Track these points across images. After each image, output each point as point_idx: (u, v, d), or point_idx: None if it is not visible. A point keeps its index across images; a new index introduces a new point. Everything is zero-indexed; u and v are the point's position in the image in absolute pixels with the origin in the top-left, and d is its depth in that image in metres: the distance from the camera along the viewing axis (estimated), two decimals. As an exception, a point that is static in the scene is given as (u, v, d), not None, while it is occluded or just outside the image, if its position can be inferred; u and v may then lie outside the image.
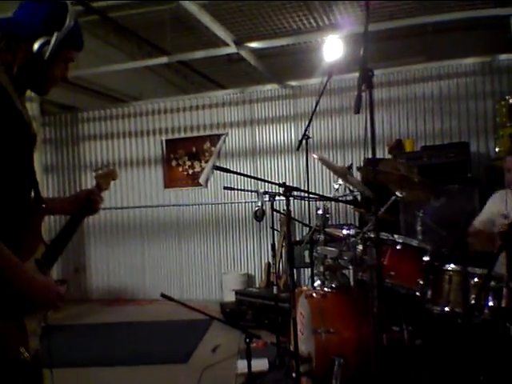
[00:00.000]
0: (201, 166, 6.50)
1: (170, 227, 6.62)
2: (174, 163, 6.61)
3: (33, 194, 1.53)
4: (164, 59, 5.72)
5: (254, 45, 5.06)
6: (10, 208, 1.39)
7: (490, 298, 2.61)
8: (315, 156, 3.47)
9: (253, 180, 5.53)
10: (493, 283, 2.61)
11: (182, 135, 6.62)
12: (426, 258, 2.75)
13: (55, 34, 1.43)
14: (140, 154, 6.79)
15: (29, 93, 1.56)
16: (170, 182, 6.61)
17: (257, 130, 6.31)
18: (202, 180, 6.49)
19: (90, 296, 6.71)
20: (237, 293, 5.17)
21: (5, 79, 1.39)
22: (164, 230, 6.64)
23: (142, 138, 6.79)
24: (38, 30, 1.42)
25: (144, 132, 6.78)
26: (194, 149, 6.53)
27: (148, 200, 6.65)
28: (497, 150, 4.96)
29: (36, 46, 1.41)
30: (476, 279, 2.63)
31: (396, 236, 2.88)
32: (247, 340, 2.66)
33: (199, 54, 5.42)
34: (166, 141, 6.66)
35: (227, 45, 5.01)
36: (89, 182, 6.92)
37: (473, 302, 2.56)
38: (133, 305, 6.35)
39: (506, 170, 3.21)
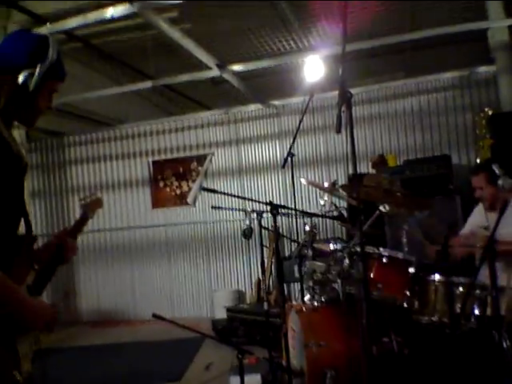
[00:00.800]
0: (188, 186, 6.56)
1: (158, 247, 6.65)
2: (161, 184, 6.67)
3: (23, 223, 1.56)
4: (148, 84, 5.81)
5: (236, 67, 5.17)
6: (2, 237, 1.42)
7: (475, 306, 2.68)
8: (303, 181, 3.55)
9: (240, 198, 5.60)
10: (477, 292, 2.68)
11: (169, 156, 6.69)
12: (411, 270, 2.83)
13: (39, 66, 1.48)
14: (127, 176, 6.84)
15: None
16: (157, 202, 6.66)
17: (242, 148, 6.41)
18: (189, 199, 6.46)
19: (80, 319, 6.67)
20: (228, 310, 5.19)
21: None
22: (153, 249, 6.66)
23: (128, 160, 6.85)
24: (22, 62, 1.48)
25: (131, 154, 6.84)
26: (181, 169, 6.60)
27: (136, 221, 6.67)
28: (478, 161, 5.09)
29: (21, 78, 1.46)
30: (461, 289, 2.71)
31: (382, 249, 2.95)
32: (240, 356, 2.71)
33: (183, 78, 5.52)
34: (153, 162, 6.73)
35: (210, 68, 5.11)
36: (76, 205, 6.92)
37: (458, 311, 2.63)
38: (123, 326, 6.33)
39: (474, 188, 3.27)
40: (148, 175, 6.73)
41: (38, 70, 1.48)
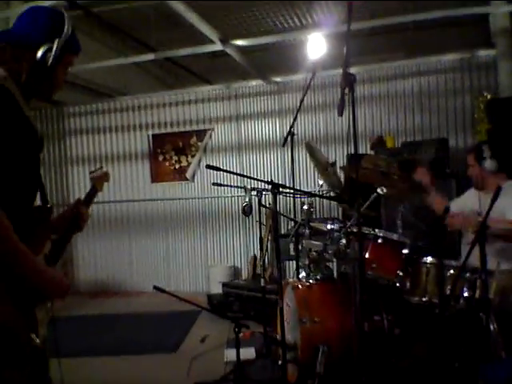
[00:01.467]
0: (187, 161, 6.59)
1: (157, 221, 6.71)
2: (160, 158, 6.69)
3: (39, 195, 1.63)
4: (150, 56, 5.77)
5: (239, 42, 5.14)
6: (20, 209, 1.48)
7: (464, 288, 2.77)
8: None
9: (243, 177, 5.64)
10: (468, 275, 2.76)
11: (169, 130, 6.69)
12: (405, 251, 2.91)
13: (56, 41, 1.53)
14: (127, 149, 6.85)
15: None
16: (156, 176, 6.70)
17: (242, 125, 6.42)
18: (188, 175, 6.59)
19: (77, 289, 6.77)
20: (224, 285, 5.29)
21: (13, 87, 1.48)
22: (151, 223, 6.73)
23: (128, 133, 6.85)
24: (40, 38, 1.53)
25: (130, 127, 6.83)
26: (180, 143, 6.62)
27: (135, 194, 6.72)
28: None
29: (39, 53, 1.51)
30: (452, 271, 2.79)
31: (377, 230, 3.03)
32: (236, 329, 2.80)
33: (185, 51, 5.49)
34: (153, 135, 6.74)
35: (213, 42, 5.09)
36: (75, 176, 6.97)
37: (448, 292, 2.72)
38: (120, 297, 6.44)
39: (468, 166, 3.32)
40: (148, 148, 6.75)
41: (55, 44, 1.52)
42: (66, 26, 1.57)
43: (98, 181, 2.08)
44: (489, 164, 3.13)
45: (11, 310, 1.40)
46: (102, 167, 2.16)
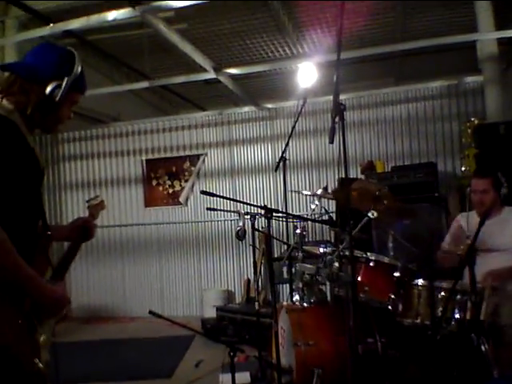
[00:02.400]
0: (181, 185, 6.65)
1: (150, 245, 6.73)
2: (154, 182, 6.75)
3: (40, 222, 1.68)
4: (145, 84, 5.90)
5: (232, 71, 5.28)
6: (22, 236, 1.52)
7: (456, 310, 2.81)
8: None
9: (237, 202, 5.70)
10: (458, 297, 2.82)
11: (162, 155, 6.77)
12: (396, 274, 2.97)
13: (65, 79, 1.59)
14: (120, 174, 6.90)
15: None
16: (150, 200, 6.74)
17: (235, 150, 6.51)
18: (182, 199, 6.64)
19: (70, 314, 6.72)
20: (218, 309, 5.28)
21: (18, 119, 1.53)
22: (145, 248, 6.74)
23: (122, 158, 6.91)
24: (51, 74, 1.59)
25: (124, 152, 6.90)
26: (174, 168, 6.69)
27: (129, 219, 6.74)
28: (463, 169, 5.25)
29: (49, 88, 1.57)
30: (443, 293, 2.84)
31: (369, 254, 3.08)
32: (231, 353, 2.82)
33: (179, 79, 5.62)
34: (147, 160, 6.80)
35: (206, 70, 5.21)
36: (69, 201, 6.99)
37: (440, 314, 2.76)
38: (114, 323, 6.39)
39: (472, 191, 3.29)
40: (141, 173, 6.81)
41: (64, 82, 1.59)
42: (75, 66, 1.64)
43: (94, 209, 2.14)
44: (505, 191, 3.13)
45: (16, 334, 1.42)
46: (97, 196, 2.24)
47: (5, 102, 1.55)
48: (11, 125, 1.49)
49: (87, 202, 2.15)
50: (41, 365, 1.48)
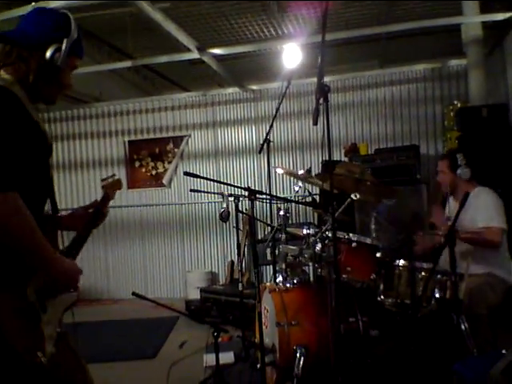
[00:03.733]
0: (164, 167, 6.61)
1: (133, 227, 6.70)
2: (137, 164, 6.70)
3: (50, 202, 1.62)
4: (127, 63, 5.81)
5: (216, 51, 5.22)
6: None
7: (436, 290, 2.88)
8: (280, 171, 3.63)
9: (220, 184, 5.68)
10: (438, 277, 2.88)
11: (145, 136, 6.71)
12: (378, 255, 3.01)
13: (65, 41, 1.51)
14: (102, 155, 6.83)
15: None
16: (133, 182, 6.69)
17: (219, 132, 6.48)
18: (165, 181, 6.61)
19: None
20: (201, 290, 5.30)
21: (20, 92, 1.44)
22: (128, 230, 6.71)
23: (104, 139, 6.84)
24: (49, 37, 1.51)
25: (106, 133, 6.82)
26: (157, 150, 6.64)
27: (111, 200, 6.66)
28: (445, 152, 5.31)
29: (49, 52, 1.49)
30: (423, 273, 2.90)
31: (351, 235, 3.11)
32: (215, 334, 2.85)
33: (162, 59, 5.53)
34: (129, 142, 6.74)
35: (190, 50, 5.14)
36: (54, 180, 6.88)
37: (420, 293, 2.82)
38: (97, 305, 6.40)
39: (437, 171, 3.46)
40: (124, 155, 6.74)
41: (64, 44, 1.51)
42: (72, 27, 1.56)
43: (110, 188, 2.03)
44: (463, 172, 3.24)
45: (15, 324, 1.35)
46: (114, 174, 2.10)
47: (3, 73, 1.47)
48: (12, 96, 1.41)
49: (102, 180, 2.04)
50: (43, 358, 1.39)
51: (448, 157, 3.40)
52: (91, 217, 1.85)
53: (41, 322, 1.43)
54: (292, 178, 6.02)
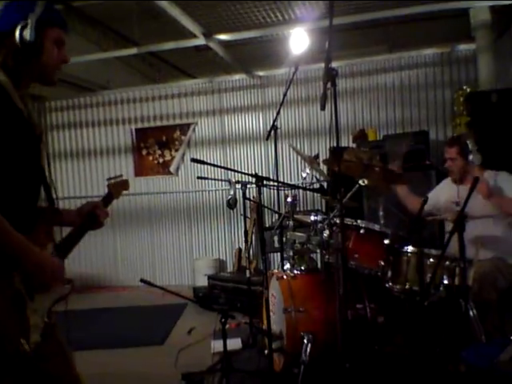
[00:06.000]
0: (171, 155, 6.60)
1: (141, 215, 6.72)
2: (144, 152, 6.69)
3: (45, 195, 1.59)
4: (133, 50, 5.77)
5: (222, 37, 5.17)
6: (18, 206, 1.43)
7: (444, 276, 2.85)
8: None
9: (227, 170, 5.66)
10: (447, 263, 2.85)
11: (152, 124, 6.69)
12: (386, 241, 2.99)
13: (30, 16, 1.45)
14: (110, 143, 6.83)
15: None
16: (140, 170, 6.69)
17: (226, 119, 6.44)
18: (172, 168, 6.60)
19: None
20: (209, 277, 5.32)
21: (3, 78, 1.42)
22: (135, 217, 6.73)
23: (111, 127, 6.83)
24: (13, 18, 1.46)
25: (113, 121, 6.81)
26: (164, 138, 6.62)
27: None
28: (453, 136, 5.24)
29: (16, 33, 1.44)
30: (431, 260, 2.88)
31: (359, 221, 3.10)
32: (223, 320, 2.85)
33: (168, 46, 5.49)
34: (136, 130, 6.72)
35: (196, 36, 5.10)
36: (58, 172, 6.93)
37: (428, 280, 2.80)
38: (106, 292, 6.45)
39: (445, 159, 3.43)
40: (131, 143, 6.74)
41: (29, 19, 1.45)
42: (37, 0, 1.49)
43: (116, 188, 2.00)
44: (475, 157, 3.20)
45: (1, 312, 1.34)
46: (121, 175, 2.06)
47: None
48: None
49: (107, 180, 2.01)
50: (27, 346, 1.37)
51: (458, 143, 3.35)
52: (85, 219, 1.78)
53: (27, 309, 1.41)
54: (300, 164, 6.00)
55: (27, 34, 1.44)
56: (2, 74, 1.42)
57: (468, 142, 3.26)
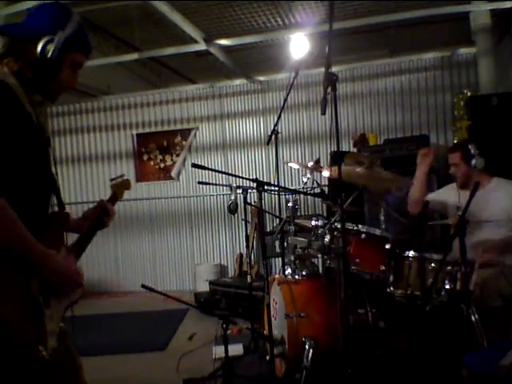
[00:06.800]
0: (172, 160, 6.61)
1: (142, 220, 6.72)
2: (145, 157, 6.70)
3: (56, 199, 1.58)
4: (134, 55, 5.79)
5: (223, 42, 5.18)
6: (29, 211, 1.41)
7: (446, 281, 2.84)
8: (295, 166, 3.60)
9: (228, 175, 5.65)
10: (449, 268, 2.84)
11: (153, 129, 6.70)
12: (387, 246, 2.98)
13: (59, 33, 1.45)
14: (111, 148, 6.84)
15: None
16: (141, 175, 6.69)
17: (227, 124, 6.45)
18: (173, 173, 6.61)
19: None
20: (211, 283, 5.31)
21: (13, 82, 1.41)
22: (137, 223, 6.73)
23: (112, 132, 6.84)
24: (42, 29, 1.45)
25: (114, 126, 6.82)
26: (165, 143, 6.63)
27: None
28: (455, 141, 5.25)
29: (40, 44, 1.43)
30: (433, 264, 2.86)
31: (360, 226, 3.09)
32: (224, 326, 2.85)
33: (169, 51, 5.51)
34: (137, 135, 6.73)
35: (196, 41, 5.12)
36: (59, 176, 6.90)
37: (430, 285, 2.79)
38: (107, 297, 6.43)
39: (449, 165, 3.40)
40: (132, 148, 6.75)
41: (57, 37, 1.45)
42: (72, 20, 1.50)
43: (119, 189, 2.01)
44: (478, 162, 3.17)
45: (19, 318, 1.32)
46: (123, 175, 2.07)
47: None
48: (4, 87, 1.37)
49: (110, 180, 2.02)
50: (45, 352, 1.36)
51: (460, 148, 3.33)
52: (93, 222, 1.81)
53: (44, 317, 1.40)
54: (300, 169, 6.00)
55: (50, 50, 1.44)
56: (13, 78, 1.42)
57: (470, 146, 3.24)
